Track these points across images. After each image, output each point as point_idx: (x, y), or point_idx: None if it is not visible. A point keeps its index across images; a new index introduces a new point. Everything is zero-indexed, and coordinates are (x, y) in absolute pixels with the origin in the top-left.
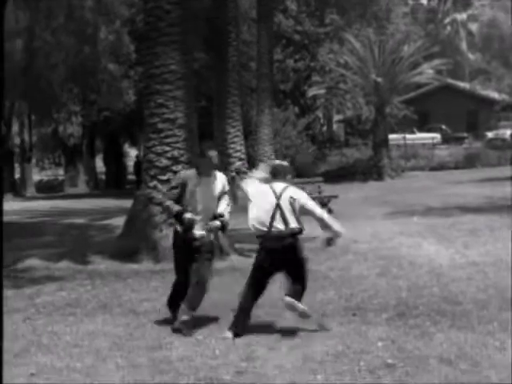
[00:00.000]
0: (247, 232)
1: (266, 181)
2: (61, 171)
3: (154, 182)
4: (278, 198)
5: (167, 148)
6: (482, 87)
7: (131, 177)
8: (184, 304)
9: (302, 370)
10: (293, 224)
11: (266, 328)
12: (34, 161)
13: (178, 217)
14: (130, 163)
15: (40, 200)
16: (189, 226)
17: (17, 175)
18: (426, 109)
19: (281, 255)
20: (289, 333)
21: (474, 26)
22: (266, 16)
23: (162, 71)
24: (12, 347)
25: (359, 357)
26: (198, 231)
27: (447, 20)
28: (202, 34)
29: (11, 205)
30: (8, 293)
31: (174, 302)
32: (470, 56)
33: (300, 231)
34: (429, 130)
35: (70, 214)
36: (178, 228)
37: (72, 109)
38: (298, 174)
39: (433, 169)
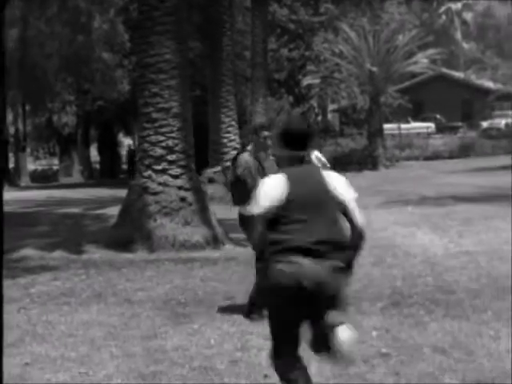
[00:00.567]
0: None
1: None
2: (55, 161)
3: (149, 172)
4: None
5: (161, 137)
6: (476, 76)
7: (126, 166)
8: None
9: None
10: None
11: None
12: (28, 150)
13: None
14: (125, 153)
15: (34, 190)
16: None
17: (11, 165)
18: (421, 98)
19: None
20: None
21: (468, 16)
22: (261, 5)
23: (157, 60)
24: (6, 337)
25: None
26: None
27: (442, 9)
28: (197, 23)
29: (5, 195)
30: (3, 282)
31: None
32: (465, 45)
33: None
34: (423, 120)
35: (64, 204)
36: None
37: (66, 98)
38: None
39: (427, 158)
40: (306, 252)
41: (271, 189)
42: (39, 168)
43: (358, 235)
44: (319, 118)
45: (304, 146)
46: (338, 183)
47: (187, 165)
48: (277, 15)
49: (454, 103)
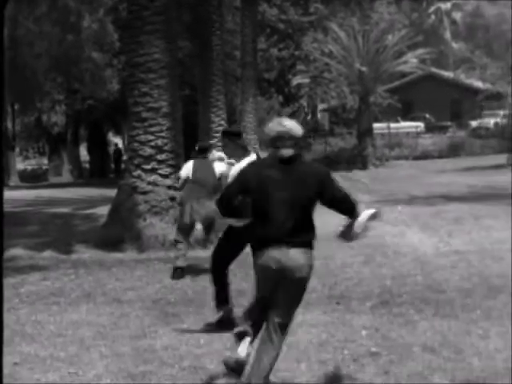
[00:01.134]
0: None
1: None
2: (45, 160)
3: (138, 171)
4: None
5: (151, 137)
6: (465, 76)
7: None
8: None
9: (286, 359)
10: None
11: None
12: (17, 150)
13: None
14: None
15: (24, 189)
16: None
17: None
18: (410, 98)
19: None
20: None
21: (458, 15)
22: (250, 5)
23: (146, 60)
24: None
25: (343, 345)
26: None
27: (431, 9)
28: (186, 22)
29: None
30: None
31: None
32: (454, 45)
33: None
34: (413, 119)
35: (54, 204)
36: None
37: (56, 97)
38: None
39: (417, 158)
40: None
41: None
42: (29, 167)
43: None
44: (309, 117)
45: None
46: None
47: (177, 164)
48: (266, 15)
49: (443, 103)
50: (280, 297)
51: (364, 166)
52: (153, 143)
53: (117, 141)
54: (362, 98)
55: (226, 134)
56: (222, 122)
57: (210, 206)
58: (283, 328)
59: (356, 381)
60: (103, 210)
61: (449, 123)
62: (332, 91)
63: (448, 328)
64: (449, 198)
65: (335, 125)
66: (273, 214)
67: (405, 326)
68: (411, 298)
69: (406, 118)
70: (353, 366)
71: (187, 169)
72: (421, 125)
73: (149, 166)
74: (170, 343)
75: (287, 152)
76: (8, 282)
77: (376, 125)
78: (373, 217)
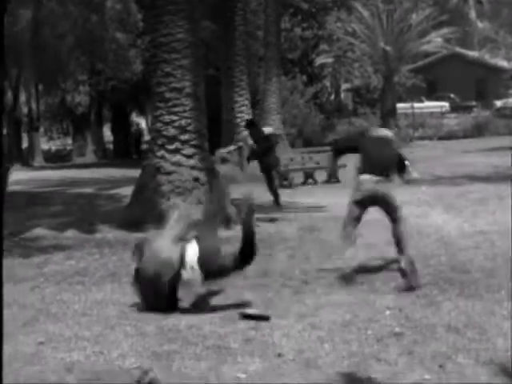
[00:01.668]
0: (254, 202)
1: None
2: (69, 141)
3: (162, 152)
4: None
5: (174, 117)
6: (490, 56)
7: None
8: None
9: (310, 339)
10: None
11: (274, 297)
12: (42, 130)
13: None
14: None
15: (48, 170)
16: None
17: (24, 144)
18: (435, 77)
19: None
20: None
21: None
22: None
23: (170, 40)
24: (20, 316)
25: (367, 325)
26: None
27: None
28: (210, 2)
29: (19, 174)
30: (16, 262)
31: None
32: (479, 24)
33: None
34: (437, 99)
35: (77, 184)
36: None
37: (79, 78)
38: (306, 143)
39: (441, 138)
40: None
41: None
42: (53, 148)
43: None
44: (332, 97)
45: None
46: None
47: (200, 144)
48: None
49: (467, 82)
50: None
51: None
52: (176, 123)
53: (139, 121)
54: (385, 77)
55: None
56: (246, 102)
57: None
58: None
59: (380, 361)
60: (127, 191)
61: (473, 103)
62: (355, 71)
63: (472, 308)
64: (473, 179)
65: (359, 105)
66: None
67: (429, 307)
68: (435, 278)
69: (430, 97)
70: (377, 346)
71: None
72: (445, 105)
73: (172, 147)
74: (193, 322)
75: None
76: (32, 261)
77: (400, 105)
78: None
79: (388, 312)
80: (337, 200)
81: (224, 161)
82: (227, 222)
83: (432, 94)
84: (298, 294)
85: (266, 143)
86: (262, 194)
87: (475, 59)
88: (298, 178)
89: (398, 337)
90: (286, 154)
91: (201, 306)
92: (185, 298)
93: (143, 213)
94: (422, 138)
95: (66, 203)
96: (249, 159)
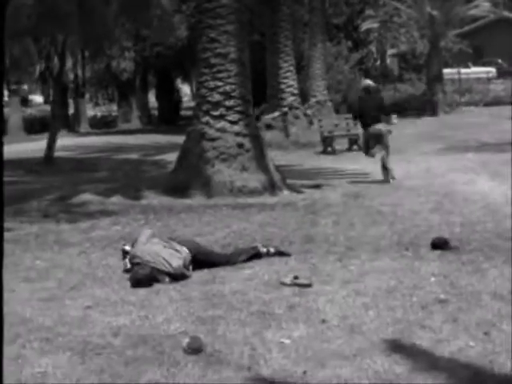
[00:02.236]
0: (299, 168)
1: None
2: (114, 107)
3: (207, 118)
4: None
5: (219, 83)
6: None
7: (184, 112)
8: None
9: (354, 305)
10: None
11: (319, 264)
12: (87, 96)
13: None
14: (184, 99)
15: (93, 136)
16: None
17: (70, 111)
18: (482, 43)
19: None
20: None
21: None
22: None
23: (214, 6)
24: (67, 280)
25: (412, 292)
26: None
27: None
28: None
29: (65, 140)
30: (64, 227)
31: None
32: None
33: None
34: (484, 65)
35: (123, 150)
36: None
37: (125, 44)
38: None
39: (487, 104)
40: None
41: None
42: (98, 114)
43: None
44: (378, 63)
45: None
46: None
47: (245, 110)
48: None
49: None
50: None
51: (434, 113)
52: (221, 89)
53: (179, 87)
54: (432, 42)
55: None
56: (290, 68)
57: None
58: None
59: (424, 327)
60: (172, 157)
61: None
62: (402, 36)
63: None
64: None
65: (404, 70)
66: None
67: (474, 274)
68: (481, 245)
69: (476, 63)
70: (421, 313)
71: None
72: (492, 70)
73: (217, 113)
74: (238, 288)
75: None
76: (79, 226)
77: (446, 70)
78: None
79: (433, 279)
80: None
81: (269, 127)
82: (272, 188)
83: (479, 59)
84: (343, 260)
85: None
86: (305, 160)
87: None
88: (343, 144)
89: (442, 304)
90: (330, 120)
91: None
92: None
93: (188, 179)
94: (468, 104)
95: (112, 169)
96: None
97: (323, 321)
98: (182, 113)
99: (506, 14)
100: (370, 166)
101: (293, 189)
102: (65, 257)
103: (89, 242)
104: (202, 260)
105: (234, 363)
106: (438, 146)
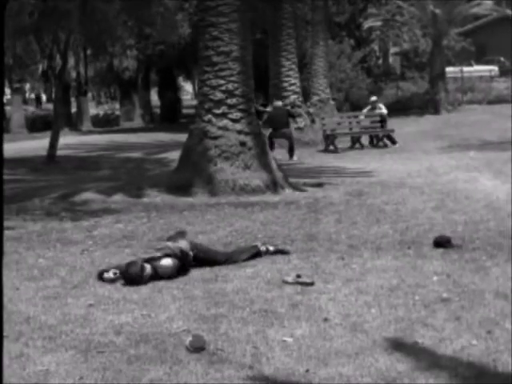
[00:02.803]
0: (301, 166)
1: None
2: (117, 105)
3: (209, 116)
4: None
5: (222, 81)
6: None
7: (186, 111)
8: None
9: (356, 304)
10: None
11: (321, 262)
12: (90, 95)
13: None
14: (186, 97)
15: (96, 134)
16: None
17: (73, 109)
18: (484, 41)
19: None
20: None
21: None
22: None
23: (217, 3)
24: (70, 279)
25: (414, 290)
26: None
27: None
28: None
29: (67, 139)
30: (66, 225)
31: None
32: None
33: None
34: (486, 63)
35: (125, 148)
36: None
37: (127, 42)
38: (353, 107)
39: (490, 102)
40: None
41: None
42: (101, 112)
43: None
44: (380, 61)
45: None
46: None
47: (247, 109)
48: None
49: None
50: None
51: (436, 111)
52: (223, 87)
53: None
54: (434, 41)
55: None
56: (293, 66)
57: None
58: None
59: (427, 326)
60: (174, 155)
61: None
62: (404, 34)
63: None
64: None
65: (407, 69)
66: None
67: (477, 272)
68: (484, 243)
69: (479, 61)
70: (424, 311)
71: None
72: (495, 68)
73: (219, 111)
74: (241, 287)
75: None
76: (81, 224)
77: (449, 69)
78: None
79: (435, 277)
80: (383, 165)
81: None
82: (274, 187)
83: (481, 57)
84: (345, 258)
85: None
86: (307, 159)
87: None
88: (345, 142)
89: (445, 302)
90: (332, 118)
91: None
92: None
93: (190, 177)
94: (470, 102)
95: (114, 167)
96: None
97: (325, 319)
98: (185, 111)
99: (509, 12)
100: (372, 164)
101: (295, 187)
102: (68, 255)
103: (91, 240)
104: (202, 258)
105: (237, 361)
106: (441, 145)
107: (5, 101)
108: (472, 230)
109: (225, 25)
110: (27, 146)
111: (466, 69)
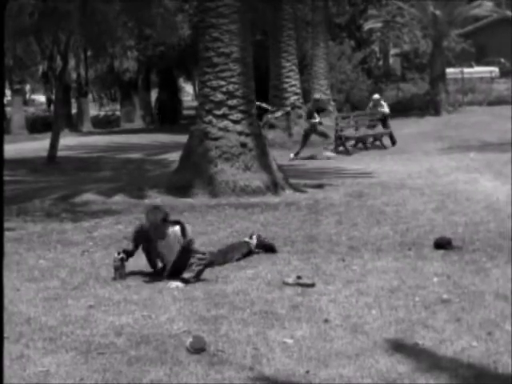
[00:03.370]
0: (302, 168)
1: None
2: (117, 106)
3: (209, 117)
4: None
5: (222, 82)
6: None
7: (186, 112)
8: None
9: (357, 305)
10: None
11: (321, 263)
12: (90, 96)
13: None
14: (187, 98)
15: (96, 135)
16: None
17: (73, 110)
18: (485, 42)
19: None
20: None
21: None
22: None
23: (217, 5)
24: (71, 280)
25: (414, 292)
26: None
27: None
28: None
29: (68, 140)
30: (67, 226)
31: None
32: None
33: None
34: (487, 64)
35: (126, 149)
36: None
37: (127, 43)
38: (354, 108)
39: (490, 103)
40: None
41: None
42: (101, 114)
43: None
44: (381, 62)
45: None
46: None
47: (248, 110)
48: None
49: None
50: None
51: (437, 112)
52: (224, 89)
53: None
54: (435, 42)
55: None
56: (293, 67)
57: None
58: None
59: (427, 327)
60: (175, 156)
61: None
62: (404, 36)
63: None
64: None
65: (407, 70)
66: None
67: (477, 274)
68: (484, 245)
69: (479, 62)
70: (424, 312)
71: None
72: (495, 69)
73: (220, 112)
74: (241, 288)
75: None
76: (82, 225)
77: (449, 70)
78: None
79: (436, 279)
80: (383, 166)
81: (272, 126)
82: (275, 188)
83: (482, 58)
84: (345, 259)
85: None
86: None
87: None
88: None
89: (445, 304)
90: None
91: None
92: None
93: (191, 178)
94: (471, 104)
95: (115, 168)
96: None
97: (326, 320)
98: (185, 112)
99: (509, 13)
100: (373, 165)
101: (295, 188)
102: (68, 256)
103: (92, 241)
104: None
105: (237, 363)
106: (441, 146)
107: (5, 102)
108: (472, 231)
109: (225, 26)
110: (27, 146)
111: (466, 70)
